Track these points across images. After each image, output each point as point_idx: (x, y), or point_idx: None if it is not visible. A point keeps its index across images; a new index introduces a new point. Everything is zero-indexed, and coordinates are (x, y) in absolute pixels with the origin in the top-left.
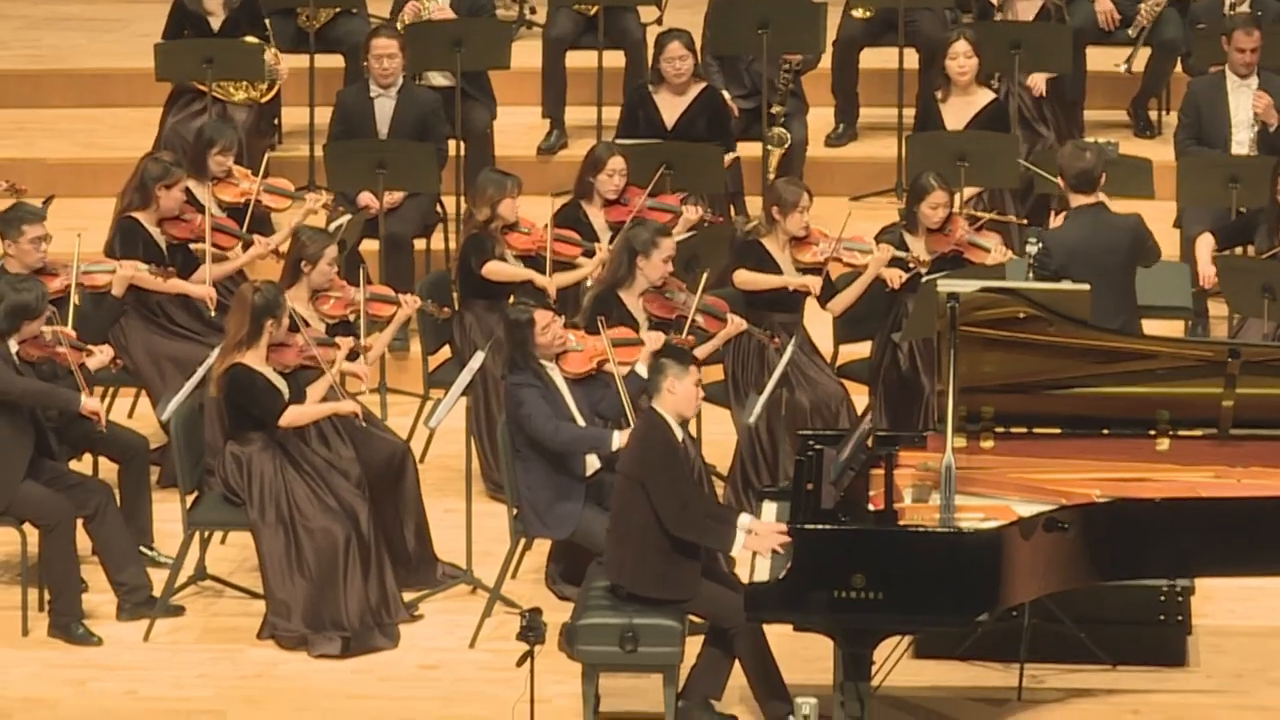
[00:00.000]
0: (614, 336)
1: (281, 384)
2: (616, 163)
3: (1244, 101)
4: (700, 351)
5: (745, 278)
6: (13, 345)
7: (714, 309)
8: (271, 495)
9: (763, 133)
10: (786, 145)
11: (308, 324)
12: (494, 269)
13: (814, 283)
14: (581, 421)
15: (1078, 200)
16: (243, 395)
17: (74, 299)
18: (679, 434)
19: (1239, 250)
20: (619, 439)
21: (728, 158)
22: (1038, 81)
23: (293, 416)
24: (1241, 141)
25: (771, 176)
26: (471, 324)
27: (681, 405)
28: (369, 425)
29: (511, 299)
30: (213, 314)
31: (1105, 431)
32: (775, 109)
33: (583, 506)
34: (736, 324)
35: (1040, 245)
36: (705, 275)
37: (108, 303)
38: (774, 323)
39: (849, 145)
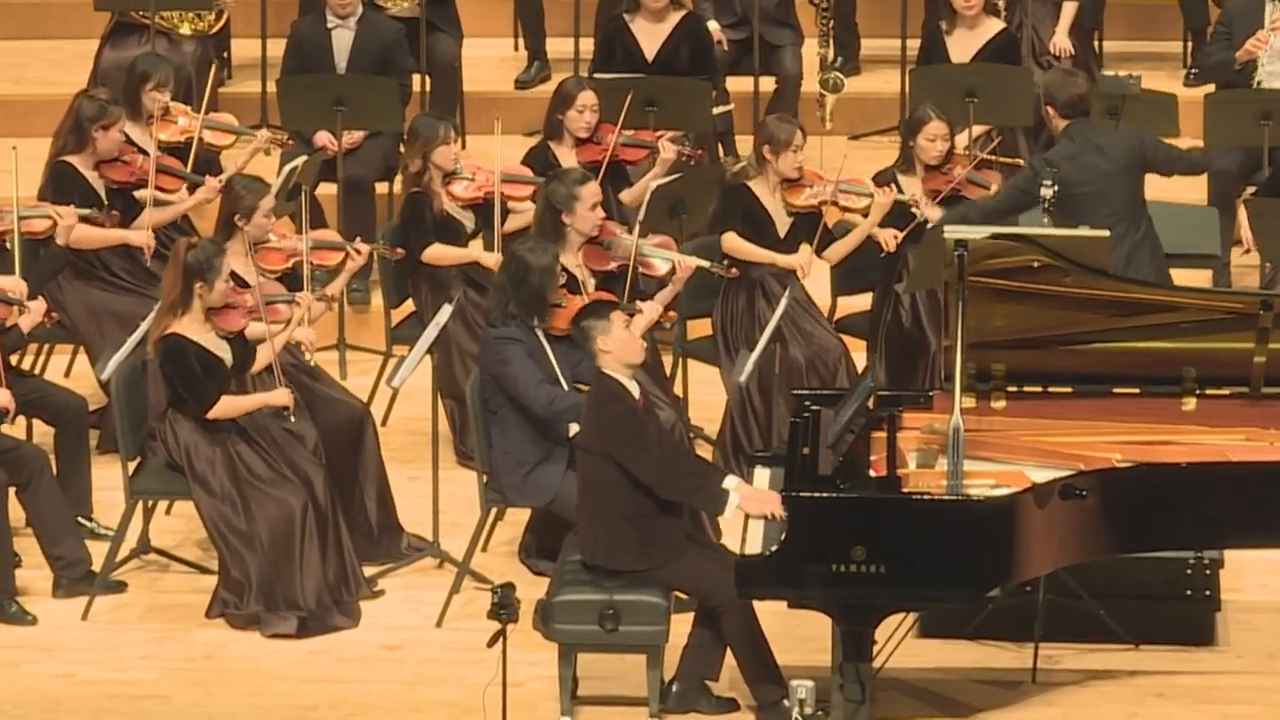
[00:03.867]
0: (594, 297)
1: (224, 351)
2: (587, 98)
3: None
4: (660, 299)
5: (735, 244)
6: None
7: (660, 254)
8: (213, 466)
9: (755, 66)
10: (841, 91)
11: (246, 284)
12: (434, 254)
13: (802, 262)
14: (564, 383)
15: (1067, 124)
16: (175, 371)
17: (16, 247)
18: (635, 390)
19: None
20: None
21: (721, 109)
22: (1063, 43)
23: (223, 409)
24: (1275, 73)
25: (829, 124)
26: (425, 291)
27: (624, 355)
28: (325, 385)
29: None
30: (149, 262)
31: (1127, 390)
32: (822, 50)
33: (564, 471)
34: (685, 266)
35: (1032, 172)
36: (638, 228)
37: (51, 252)
38: (764, 275)
39: (849, 79)
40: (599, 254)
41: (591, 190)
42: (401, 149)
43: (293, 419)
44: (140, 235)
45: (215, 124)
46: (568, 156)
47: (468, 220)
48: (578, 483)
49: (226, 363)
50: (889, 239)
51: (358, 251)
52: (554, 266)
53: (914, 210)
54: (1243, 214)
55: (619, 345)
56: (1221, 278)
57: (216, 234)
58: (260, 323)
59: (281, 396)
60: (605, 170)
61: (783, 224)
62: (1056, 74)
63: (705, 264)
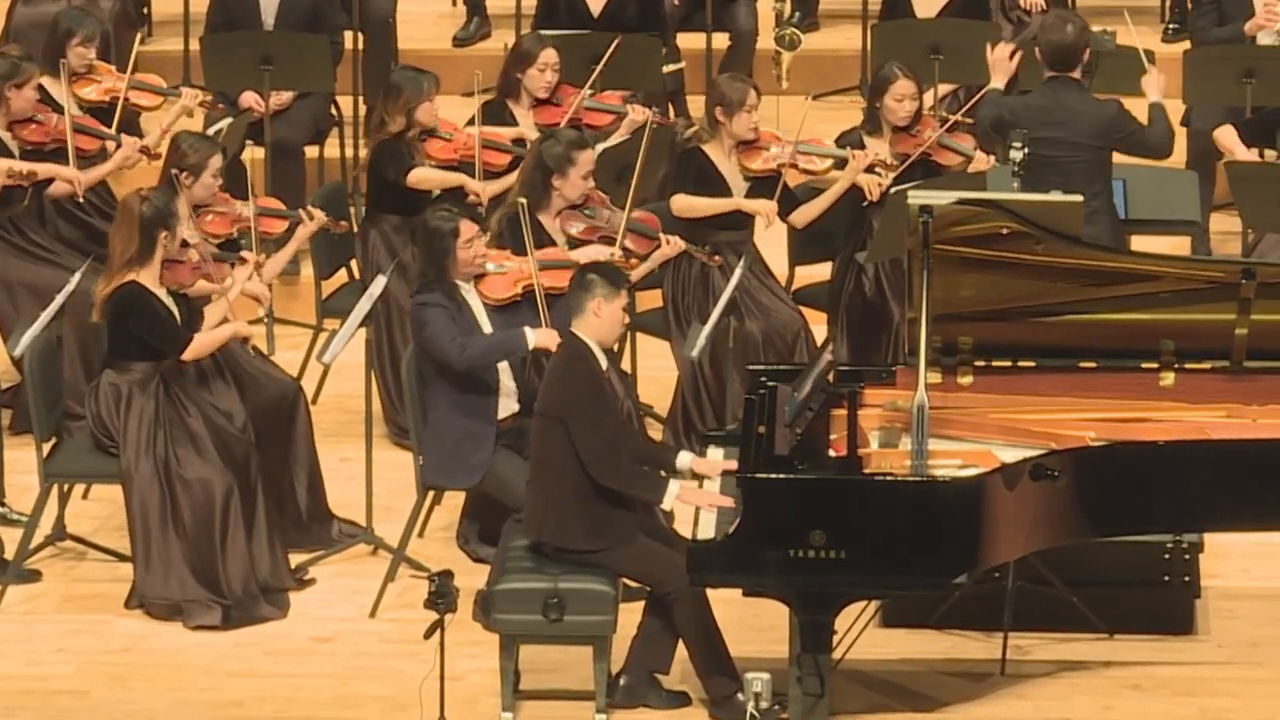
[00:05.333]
0: (543, 258)
1: (174, 307)
2: (549, 56)
3: None
4: (632, 276)
5: (686, 204)
6: None
7: (644, 227)
8: (150, 437)
9: (707, 21)
10: (798, 48)
11: (187, 244)
12: (420, 176)
13: (767, 207)
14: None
15: (1050, 75)
16: (138, 320)
17: None
18: (603, 363)
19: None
20: (535, 336)
21: (671, 68)
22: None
23: (198, 347)
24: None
25: (785, 83)
26: (375, 242)
27: (606, 331)
28: (254, 361)
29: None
30: (80, 200)
31: (1101, 365)
32: (779, 5)
33: (494, 451)
34: (673, 245)
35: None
36: (634, 187)
37: None
38: (719, 242)
39: (807, 36)
40: (583, 221)
41: (588, 158)
42: (333, 111)
43: (252, 351)
44: (69, 171)
45: (142, 84)
46: (525, 118)
47: None
48: (531, 454)
49: (178, 318)
50: (873, 185)
51: (310, 216)
52: (450, 241)
53: (880, 173)
54: (1226, 139)
55: (609, 320)
56: (1201, 245)
57: None
58: (205, 282)
59: (243, 327)
60: None
61: (739, 189)
62: (1051, 18)
63: (692, 248)
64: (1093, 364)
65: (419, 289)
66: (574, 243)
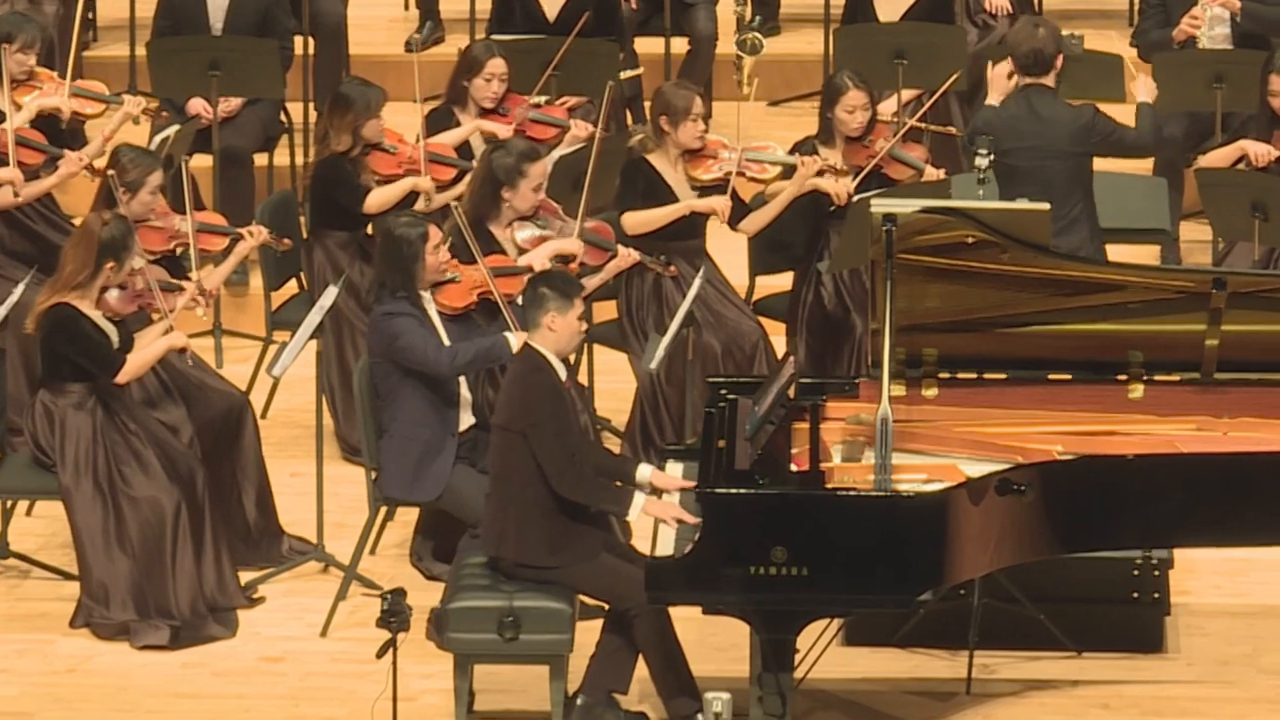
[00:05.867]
0: (492, 265)
1: (111, 330)
2: (496, 65)
3: None
4: (589, 285)
5: (636, 219)
6: None
7: (598, 238)
8: (88, 457)
9: (665, 25)
10: (760, 53)
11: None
12: (377, 201)
13: (721, 204)
14: None
15: (1025, 83)
16: (70, 343)
17: None
18: (562, 373)
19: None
20: (516, 340)
21: (628, 74)
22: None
23: (132, 369)
24: (1215, 36)
25: (747, 90)
26: (321, 260)
27: (564, 342)
28: (200, 372)
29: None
30: (17, 197)
31: (1068, 377)
32: (739, 9)
33: (453, 464)
34: (626, 255)
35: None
36: (585, 197)
37: None
38: (673, 252)
39: (769, 40)
40: (535, 233)
41: (539, 169)
42: (283, 118)
43: (190, 361)
44: (6, 172)
45: (83, 91)
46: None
47: None
48: (490, 468)
49: (114, 343)
50: (842, 192)
51: (251, 234)
52: (419, 246)
53: (832, 174)
54: (1230, 150)
55: (565, 331)
56: (1170, 254)
57: (95, 208)
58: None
59: (178, 338)
60: None
61: (687, 199)
62: (1023, 24)
63: (647, 259)
64: (1060, 376)
65: (379, 299)
66: (523, 252)
